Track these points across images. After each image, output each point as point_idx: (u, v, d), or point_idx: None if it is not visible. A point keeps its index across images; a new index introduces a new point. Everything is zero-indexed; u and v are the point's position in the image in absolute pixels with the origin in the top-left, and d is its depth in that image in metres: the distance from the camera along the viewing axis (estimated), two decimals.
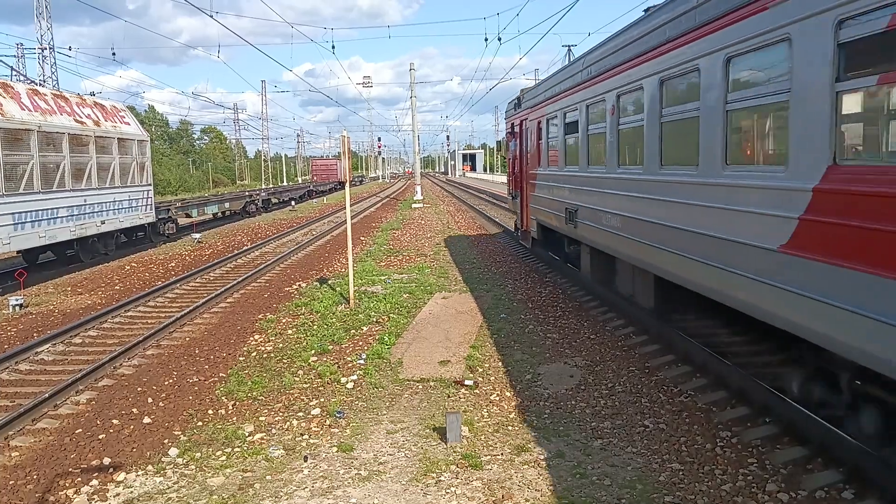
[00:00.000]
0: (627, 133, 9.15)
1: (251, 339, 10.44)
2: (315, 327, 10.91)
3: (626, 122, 9.10)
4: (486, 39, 38.02)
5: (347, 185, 13.11)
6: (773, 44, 5.48)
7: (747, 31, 5.79)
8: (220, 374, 8.67)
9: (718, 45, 6.29)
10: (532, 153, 15.62)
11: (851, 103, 4.85)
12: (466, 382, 7.98)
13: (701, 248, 6.79)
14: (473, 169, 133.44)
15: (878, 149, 4.90)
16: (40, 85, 37.26)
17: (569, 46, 43.37)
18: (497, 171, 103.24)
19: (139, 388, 8.18)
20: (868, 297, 4.38)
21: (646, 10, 8.83)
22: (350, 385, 8.05)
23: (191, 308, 12.25)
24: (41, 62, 49.76)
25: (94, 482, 5.75)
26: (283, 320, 11.57)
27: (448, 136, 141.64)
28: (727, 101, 6.26)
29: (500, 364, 8.80)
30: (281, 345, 10.01)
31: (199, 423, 7.04)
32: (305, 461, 6.04)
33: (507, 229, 22.60)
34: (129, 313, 12.46)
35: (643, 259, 8.58)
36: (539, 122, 14.60)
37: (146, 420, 7.15)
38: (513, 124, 18.34)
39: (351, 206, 14.21)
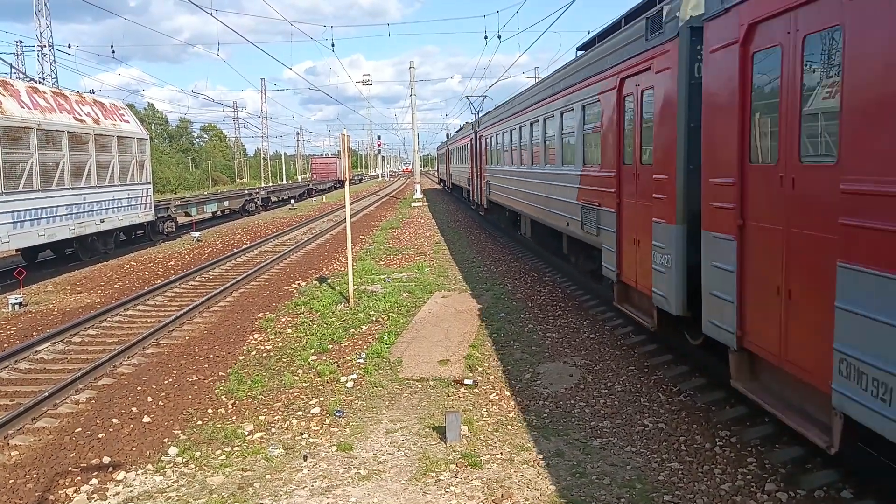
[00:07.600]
0: None
1: (251, 338, 10.45)
2: (315, 326, 10.92)
3: None
4: (486, 37, 37.97)
5: (347, 183, 13.11)
6: None
7: None
8: (220, 373, 8.67)
9: None
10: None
11: None
12: (466, 381, 7.99)
13: None
14: None
15: None
16: (40, 83, 37.18)
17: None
18: None
19: (139, 387, 8.19)
20: None
21: None
22: (350, 384, 8.06)
23: (190, 307, 12.25)
24: (40, 60, 49.71)
25: (94, 481, 5.76)
26: (283, 319, 11.57)
27: (448, 135, 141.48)
28: None
29: (499, 363, 8.80)
30: (280, 344, 10.02)
31: (199, 423, 7.05)
32: (305, 460, 6.05)
33: (504, 228, 22.58)
34: (128, 312, 12.47)
35: None
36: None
37: (146, 419, 7.16)
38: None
39: (350, 204, 14.21)
